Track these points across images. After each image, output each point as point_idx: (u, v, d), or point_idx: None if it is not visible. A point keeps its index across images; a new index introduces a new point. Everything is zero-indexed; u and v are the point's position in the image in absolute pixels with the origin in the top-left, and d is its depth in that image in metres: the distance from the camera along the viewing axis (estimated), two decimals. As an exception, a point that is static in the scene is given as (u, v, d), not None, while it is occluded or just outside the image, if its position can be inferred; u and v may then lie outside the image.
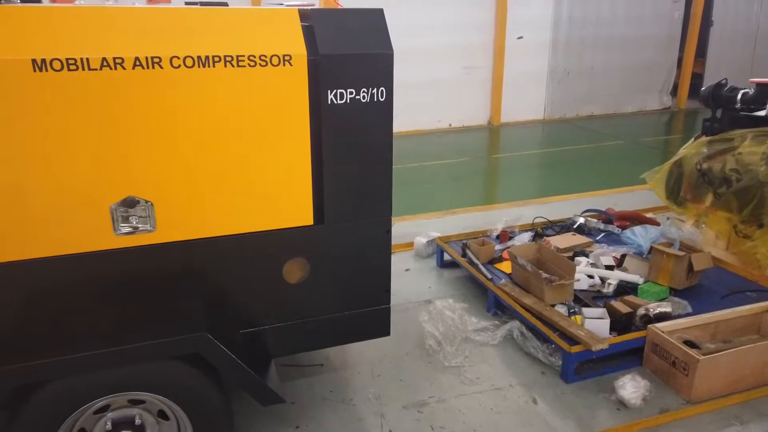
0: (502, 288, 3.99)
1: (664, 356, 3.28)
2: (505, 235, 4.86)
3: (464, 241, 4.69)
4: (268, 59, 2.32)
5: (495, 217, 5.46)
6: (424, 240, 5.07)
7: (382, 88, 2.51)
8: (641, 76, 12.77)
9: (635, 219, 5.21)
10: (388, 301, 2.93)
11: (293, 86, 2.39)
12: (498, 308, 4.09)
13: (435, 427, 3.02)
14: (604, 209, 5.40)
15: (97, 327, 2.28)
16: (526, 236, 4.85)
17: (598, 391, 3.28)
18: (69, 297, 2.31)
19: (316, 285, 2.72)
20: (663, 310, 3.50)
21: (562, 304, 3.75)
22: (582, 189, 7.11)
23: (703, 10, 12.72)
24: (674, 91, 13.38)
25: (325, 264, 2.70)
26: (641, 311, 3.52)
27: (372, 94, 2.51)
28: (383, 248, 2.82)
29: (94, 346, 2.16)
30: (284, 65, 2.35)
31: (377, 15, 2.51)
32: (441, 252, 4.86)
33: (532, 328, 3.66)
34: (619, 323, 3.52)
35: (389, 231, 2.79)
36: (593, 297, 3.87)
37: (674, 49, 12.97)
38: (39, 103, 2.08)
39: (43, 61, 2.05)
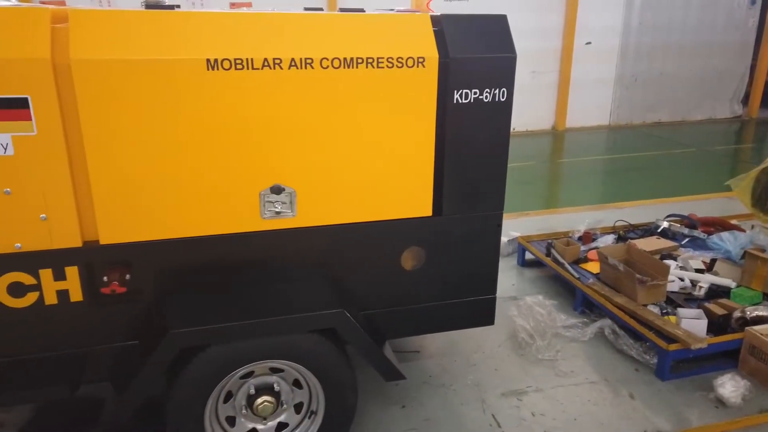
0: (591, 287, 4.08)
1: (762, 358, 3.32)
2: (588, 237, 4.94)
3: (549, 241, 4.80)
4: (404, 61, 2.52)
5: (568, 220, 5.55)
6: (504, 239, 5.19)
7: (504, 89, 2.68)
8: (711, 83, 12.51)
9: (720, 225, 5.19)
10: (495, 292, 3.08)
11: (424, 86, 2.58)
12: (585, 306, 4.18)
13: (536, 414, 3.15)
14: (686, 215, 5.40)
15: (251, 300, 2.52)
16: (609, 238, 4.91)
17: (694, 389, 3.34)
18: (225, 271, 2.57)
19: (430, 273, 2.90)
20: (760, 313, 3.53)
21: (654, 304, 3.82)
22: (653, 196, 7.09)
23: (779, 16, 12.37)
24: (745, 100, 13.05)
25: (439, 253, 2.88)
26: (737, 314, 3.56)
27: (494, 95, 2.67)
28: (493, 240, 2.97)
29: (248, 316, 2.39)
30: (418, 67, 2.54)
31: (501, 20, 2.68)
32: (522, 251, 4.98)
33: (624, 327, 3.74)
34: (715, 325, 3.56)
35: (500, 225, 2.95)
36: (684, 299, 3.92)
37: (747, 57, 12.66)
38: (210, 98, 2.34)
39: (216, 60, 2.30)
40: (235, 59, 2.32)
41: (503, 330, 3.92)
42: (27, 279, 2.35)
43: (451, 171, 2.75)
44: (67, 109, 2.22)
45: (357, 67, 2.47)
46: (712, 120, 12.67)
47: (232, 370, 2.43)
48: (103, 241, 2.40)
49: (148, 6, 2.69)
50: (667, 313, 3.73)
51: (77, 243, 2.37)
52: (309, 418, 2.66)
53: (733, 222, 5.37)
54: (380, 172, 2.66)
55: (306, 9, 2.71)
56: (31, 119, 2.18)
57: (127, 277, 2.47)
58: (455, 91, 2.62)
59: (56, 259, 2.36)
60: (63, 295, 2.41)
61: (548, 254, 4.65)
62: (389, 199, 2.72)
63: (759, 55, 12.62)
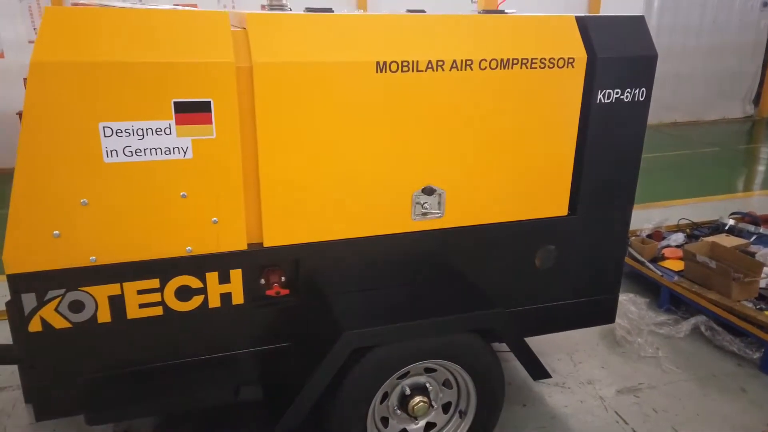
0: (679, 284, 4.13)
1: None
2: (659, 235, 5.00)
3: (624, 240, 4.85)
4: (555, 62, 2.55)
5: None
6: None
7: (643, 89, 2.72)
8: (725, 83, 12.69)
9: (781, 222, 5.28)
10: (618, 290, 3.12)
11: (571, 86, 2.62)
12: (671, 304, 4.23)
13: (658, 410, 3.19)
14: (745, 212, 5.48)
15: (413, 300, 2.54)
16: (680, 236, 4.98)
17: (802, 382, 3.40)
18: (380, 272, 2.58)
19: (561, 272, 2.93)
20: None
21: (747, 301, 3.88)
22: (695, 194, 7.17)
23: (791, 17, 12.59)
24: (756, 100, 13.24)
25: (572, 252, 2.91)
26: (836, 308, 3.63)
27: (634, 94, 2.71)
28: (622, 239, 3.01)
29: (416, 316, 2.41)
30: (567, 67, 2.58)
31: (640, 21, 2.72)
32: (593, 251, 5.02)
33: (721, 323, 3.80)
34: (814, 319, 3.63)
35: (628, 224, 2.99)
36: (775, 294, 3.98)
37: (759, 57, 12.86)
38: (376, 100, 2.35)
39: (384, 62, 2.32)
40: (402, 61, 2.34)
41: (595, 328, 3.96)
42: (194, 282, 2.35)
43: (589, 170, 2.78)
44: (244, 112, 2.23)
45: (512, 68, 2.50)
46: (725, 120, 12.83)
47: (396, 370, 2.45)
48: (266, 244, 2.40)
49: (272, 8, 2.72)
50: (762, 309, 3.79)
51: (243, 246, 2.37)
52: (459, 417, 2.67)
53: (793, 219, 5.45)
54: (522, 172, 2.69)
55: (408, 11, 2.74)
56: (211, 123, 2.18)
57: (289, 278, 2.48)
58: (599, 91, 2.65)
59: (223, 262, 2.36)
60: (226, 298, 2.42)
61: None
62: (529, 198, 2.75)
63: (770, 55, 12.83)
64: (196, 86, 2.12)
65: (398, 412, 2.59)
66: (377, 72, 2.32)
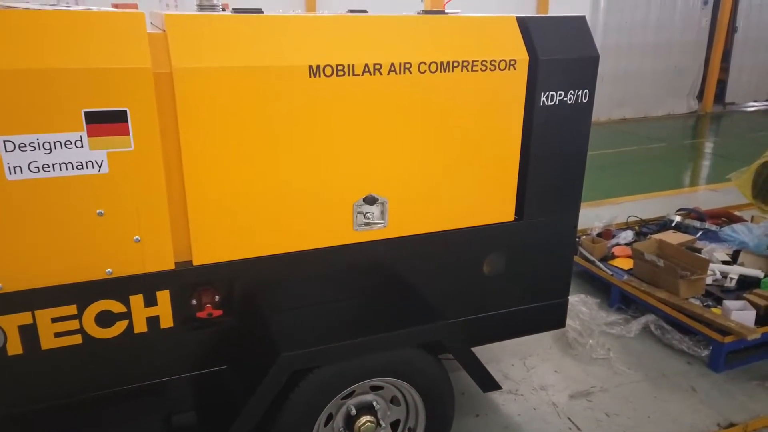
0: (629, 283, 4.14)
1: (810, 345, 3.44)
2: (608, 233, 5.02)
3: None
4: (496, 64, 2.47)
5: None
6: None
7: (587, 90, 2.67)
8: (670, 80, 13.02)
9: (726, 217, 5.38)
10: (567, 294, 3.07)
11: (514, 89, 2.54)
12: (622, 303, 4.24)
13: (610, 414, 3.16)
14: (691, 208, 5.57)
15: (354, 315, 2.41)
16: (629, 234, 5.00)
17: (749, 379, 3.43)
18: (320, 287, 2.45)
19: (509, 278, 2.85)
20: (801, 301, 3.66)
21: (694, 298, 3.91)
22: (644, 190, 7.28)
23: (729, 17, 13.01)
24: (700, 96, 13.65)
25: (519, 258, 2.84)
26: (780, 303, 3.68)
27: (577, 96, 2.66)
28: (569, 242, 2.96)
29: (358, 333, 2.29)
30: (509, 70, 2.50)
31: (581, 21, 2.67)
32: (545, 251, 5.00)
33: (670, 321, 3.81)
34: (758, 315, 3.67)
35: (576, 226, 2.94)
36: (722, 290, 4.02)
37: (701, 55, 13.24)
38: (310, 106, 2.22)
39: (318, 66, 2.19)
40: (337, 65, 2.21)
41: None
42: (117, 307, 2.17)
43: (534, 174, 2.71)
44: (164, 122, 2.06)
45: (452, 70, 2.40)
46: (671, 115, 13.17)
47: (340, 391, 2.32)
48: (196, 262, 2.24)
49: (202, 8, 2.56)
50: (708, 306, 3.82)
51: (170, 265, 2.20)
52: (408, 435, 2.57)
53: (737, 213, 5.57)
54: (466, 177, 2.60)
55: (350, 11, 2.62)
56: (128, 134, 2.01)
57: (221, 298, 2.32)
58: (542, 93, 2.59)
59: (148, 284, 2.19)
60: (153, 321, 2.24)
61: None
62: (474, 204, 2.66)
63: (711, 53, 13.23)
64: (109, 94, 1.95)
65: (344, 433, 2.46)
66: (310, 76, 2.19)
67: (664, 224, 5.26)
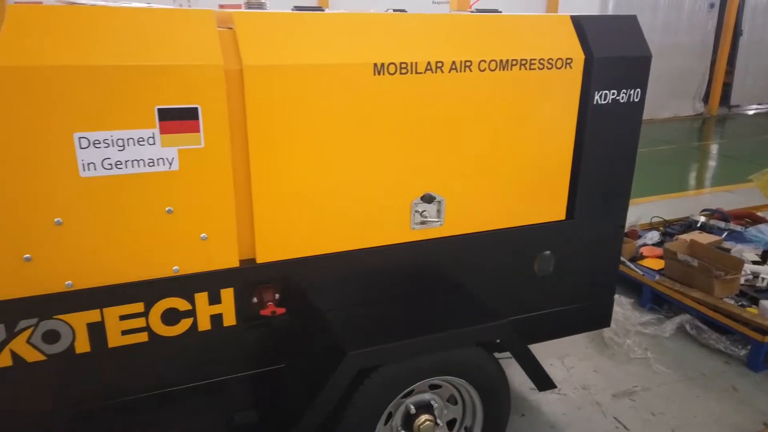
0: (662, 284, 4.14)
1: None
2: (634, 234, 5.03)
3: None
4: (553, 62, 2.47)
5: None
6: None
7: (638, 90, 2.67)
8: (677, 83, 13.06)
9: (749, 217, 5.40)
10: (613, 293, 3.07)
11: (569, 88, 2.55)
12: (654, 303, 4.24)
13: (655, 413, 3.15)
14: (714, 209, 5.58)
15: (416, 314, 2.41)
16: (655, 235, 5.02)
17: (789, 378, 3.44)
18: (379, 286, 2.45)
19: (558, 277, 2.85)
20: (837, 300, 3.67)
21: (728, 297, 3.91)
22: (660, 191, 7.29)
23: (734, 20, 13.08)
24: (705, 98, 13.70)
25: (569, 257, 2.84)
26: (816, 302, 3.69)
27: (629, 95, 2.66)
28: (617, 242, 2.96)
29: (421, 331, 2.28)
30: (566, 68, 2.50)
31: (633, 20, 2.68)
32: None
33: (705, 321, 3.82)
34: (795, 314, 3.68)
35: (623, 226, 2.94)
36: (755, 291, 4.03)
37: (707, 57, 13.30)
38: (373, 104, 2.22)
39: (383, 64, 2.19)
40: (400, 63, 2.21)
41: (581, 331, 3.92)
42: (182, 305, 2.16)
43: (586, 173, 2.71)
44: (233, 119, 2.05)
45: (511, 69, 2.41)
46: (678, 118, 13.22)
47: (403, 389, 2.31)
48: (259, 260, 2.23)
49: (250, 6, 2.55)
50: (743, 306, 3.82)
51: (234, 263, 2.19)
52: (464, 434, 2.57)
53: (760, 214, 5.59)
54: (520, 176, 2.60)
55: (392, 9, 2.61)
56: (199, 131, 2.00)
57: (281, 296, 2.31)
58: (596, 92, 2.59)
59: (213, 282, 2.18)
60: (217, 319, 2.23)
61: (603, 253, 4.69)
62: (527, 203, 2.66)
63: (717, 55, 13.29)
64: (182, 91, 1.94)
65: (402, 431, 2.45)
66: (375, 74, 2.19)
67: (689, 225, 5.27)
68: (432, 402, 2.47)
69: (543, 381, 2.59)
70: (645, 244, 4.86)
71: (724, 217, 5.38)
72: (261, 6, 2.56)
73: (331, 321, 2.34)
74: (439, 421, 2.49)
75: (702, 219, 5.27)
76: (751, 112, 13.87)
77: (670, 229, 5.26)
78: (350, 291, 2.44)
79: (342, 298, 2.42)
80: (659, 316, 4.09)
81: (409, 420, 2.43)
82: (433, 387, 2.48)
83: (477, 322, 2.35)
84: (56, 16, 1.83)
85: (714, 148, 10.50)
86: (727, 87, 13.80)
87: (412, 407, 2.42)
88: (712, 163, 9.44)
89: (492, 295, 2.69)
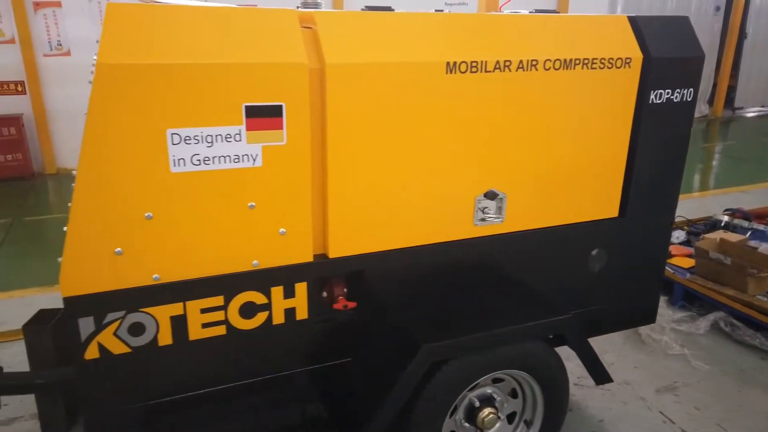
0: (694, 281, 4.20)
1: None
2: (661, 234, 5.08)
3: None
4: (614, 62, 2.53)
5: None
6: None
7: (691, 89, 2.73)
8: (683, 85, 13.15)
9: (770, 217, 5.47)
10: (660, 290, 3.13)
11: (627, 87, 2.60)
12: (685, 300, 4.30)
13: (699, 407, 3.21)
14: (736, 208, 5.65)
15: (484, 308, 2.45)
16: (681, 234, 5.08)
17: (826, 374, 3.50)
18: (444, 281, 2.49)
19: (610, 274, 2.90)
20: None
21: (761, 294, 3.97)
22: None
23: (740, 22, 13.19)
24: (711, 100, 13.81)
25: (620, 254, 2.89)
26: None
27: (683, 95, 2.72)
28: (665, 239, 3.02)
29: (491, 325, 2.32)
30: (624, 68, 2.56)
31: (685, 21, 2.74)
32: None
33: (739, 318, 3.88)
34: (830, 311, 3.74)
35: (672, 223, 3.00)
36: (787, 288, 4.09)
37: (712, 60, 13.40)
38: (444, 102, 2.27)
39: (455, 63, 2.24)
40: (471, 62, 2.26)
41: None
42: (259, 298, 2.20)
43: (639, 171, 2.77)
44: (312, 117, 2.10)
45: (574, 68, 2.46)
46: (684, 120, 13.28)
47: (472, 381, 2.36)
48: (332, 255, 2.27)
49: (306, 6, 2.59)
50: (776, 302, 3.89)
51: (309, 258, 2.24)
52: (526, 427, 2.61)
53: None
54: (577, 173, 2.65)
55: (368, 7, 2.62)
56: (282, 128, 2.05)
57: (350, 291, 2.36)
58: (652, 92, 2.65)
59: (289, 276, 2.22)
60: (290, 313, 2.27)
61: (632, 252, 4.75)
62: (583, 200, 2.71)
63: (722, 57, 13.40)
64: (268, 89, 1.99)
65: (465, 425, 2.50)
66: (447, 73, 2.23)
67: (713, 224, 5.34)
68: (494, 395, 2.52)
69: (601, 375, 2.64)
70: (672, 243, 4.92)
71: (746, 216, 5.45)
72: (317, 5, 2.61)
73: (400, 315, 2.38)
74: (500, 414, 2.54)
75: (725, 218, 5.33)
76: (753, 114, 13.98)
77: (694, 228, 5.32)
78: (416, 286, 2.49)
79: (409, 293, 2.47)
80: (691, 314, 4.15)
81: (472, 413, 2.47)
82: (495, 381, 2.53)
83: (539, 317, 2.40)
84: (152, 15, 1.87)
85: (723, 150, 10.59)
86: (731, 89, 13.91)
87: (476, 400, 2.47)
88: (722, 164, 9.52)
89: (548, 291, 2.73)
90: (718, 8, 13.18)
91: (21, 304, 4.52)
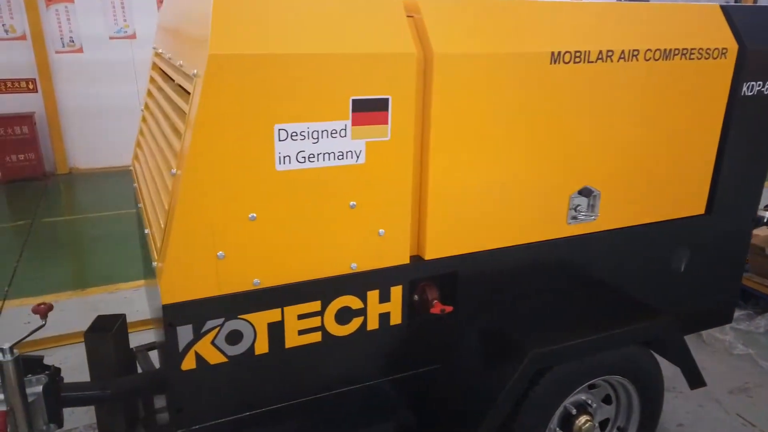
0: (750, 279, 4.11)
1: None
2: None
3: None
4: (711, 53, 2.42)
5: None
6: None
7: (781, 81, 2.63)
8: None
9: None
10: (739, 289, 3.03)
11: (721, 78, 2.50)
12: (741, 299, 4.21)
13: (777, 409, 3.12)
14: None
15: (582, 312, 2.35)
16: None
17: None
18: (536, 282, 2.38)
19: (694, 273, 2.80)
20: None
21: (822, 292, 3.89)
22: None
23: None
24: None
25: (704, 252, 2.79)
26: None
27: (773, 87, 2.62)
28: (747, 236, 2.92)
29: (594, 330, 2.22)
30: (720, 58, 2.45)
31: (776, 11, 2.63)
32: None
33: (802, 316, 3.80)
34: None
35: (755, 220, 2.90)
36: None
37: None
38: (546, 93, 2.15)
39: (559, 53, 2.12)
40: (575, 52, 2.15)
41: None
42: (356, 303, 2.08)
43: (728, 166, 2.67)
44: (418, 110, 1.98)
45: (673, 58, 2.35)
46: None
47: (575, 388, 2.25)
48: (428, 256, 2.15)
49: None
50: (837, 300, 3.81)
51: (405, 260, 2.12)
52: (618, 434, 2.51)
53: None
54: (668, 169, 2.55)
55: None
56: (387, 123, 1.92)
57: (443, 294, 2.24)
58: (744, 84, 2.54)
59: (385, 279, 2.10)
60: (384, 318, 2.15)
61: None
62: (671, 197, 2.61)
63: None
64: (376, 81, 1.86)
65: (560, 432, 2.39)
66: (551, 63, 2.12)
67: (757, 221, 5.24)
68: (589, 402, 2.41)
69: (696, 378, 2.55)
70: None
71: (787, 212, 5.36)
72: None
73: (497, 319, 2.27)
74: (594, 421, 2.43)
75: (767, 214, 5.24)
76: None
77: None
78: (508, 288, 2.37)
79: (501, 296, 2.35)
80: (748, 312, 4.07)
81: (568, 421, 2.37)
82: (590, 387, 2.42)
83: (642, 320, 2.29)
84: (259, 3, 1.74)
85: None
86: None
87: (572, 408, 2.36)
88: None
89: (636, 291, 2.63)
90: None
91: (56, 308, 4.37)
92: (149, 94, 2.83)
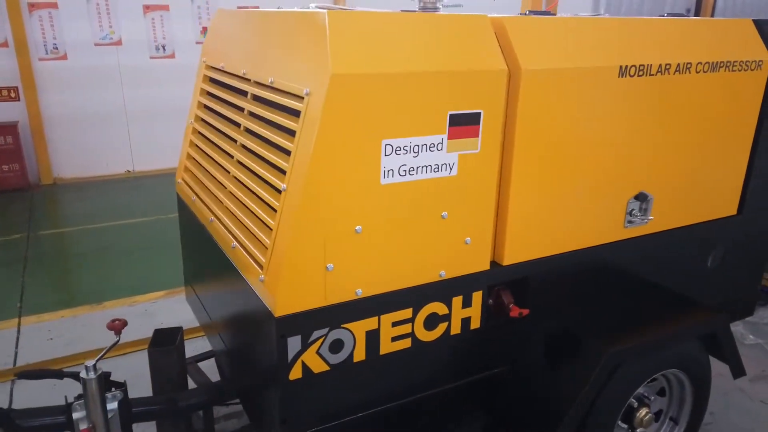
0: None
1: None
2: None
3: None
4: (749, 65, 2.60)
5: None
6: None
7: (807, 90, 2.83)
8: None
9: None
10: (760, 284, 3.23)
11: (756, 88, 2.68)
12: (745, 292, 4.46)
13: (798, 395, 3.34)
14: None
15: (642, 311, 2.48)
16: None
17: None
18: (599, 284, 2.51)
19: (724, 270, 2.98)
20: None
21: (821, 284, 4.16)
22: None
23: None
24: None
25: (734, 250, 2.97)
26: None
27: (800, 95, 2.82)
28: (769, 236, 3.13)
29: (658, 327, 2.36)
30: (757, 70, 2.63)
31: (799, 24, 2.83)
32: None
33: (806, 307, 4.05)
34: None
35: (779, 219, 3.10)
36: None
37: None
38: (613, 105, 2.28)
39: (626, 67, 2.25)
40: (639, 65, 2.28)
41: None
42: (442, 309, 2.17)
43: (758, 170, 2.85)
44: (504, 124, 2.08)
45: (719, 70, 2.52)
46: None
47: (641, 383, 2.38)
48: (506, 262, 2.25)
49: (425, 8, 2.57)
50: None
51: (486, 266, 2.21)
52: (673, 424, 2.65)
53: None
54: (709, 173, 2.71)
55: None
56: (478, 136, 2.02)
57: (517, 297, 2.34)
58: (776, 93, 2.73)
59: (468, 285, 2.19)
60: (466, 323, 2.24)
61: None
62: (710, 199, 2.78)
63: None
64: (470, 97, 1.95)
65: (622, 425, 2.52)
66: (619, 76, 2.25)
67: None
68: (646, 395, 2.55)
69: (739, 369, 2.71)
70: None
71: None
72: (435, 8, 2.58)
73: (565, 319, 2.38)
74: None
75: None
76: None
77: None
78: (573, 290, 2.49)
79: (564, 298, 2.47)
80: (761, 303, 4.29)
81: (629, 414, 2.50)
82: (651, 380, 2.56)
83: (701, 317, 2.45)
84: (370, 22, 1.81)
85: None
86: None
87: (634, 401, 2.49)
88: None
89: (682, 289, 2.79)
90: (688, 10, 13.66)
91: (75, 323, 4.31)
92: (201, 106, 2.85)
